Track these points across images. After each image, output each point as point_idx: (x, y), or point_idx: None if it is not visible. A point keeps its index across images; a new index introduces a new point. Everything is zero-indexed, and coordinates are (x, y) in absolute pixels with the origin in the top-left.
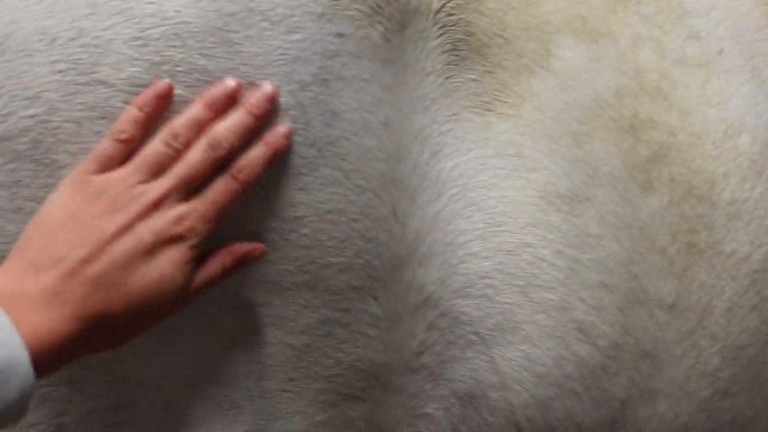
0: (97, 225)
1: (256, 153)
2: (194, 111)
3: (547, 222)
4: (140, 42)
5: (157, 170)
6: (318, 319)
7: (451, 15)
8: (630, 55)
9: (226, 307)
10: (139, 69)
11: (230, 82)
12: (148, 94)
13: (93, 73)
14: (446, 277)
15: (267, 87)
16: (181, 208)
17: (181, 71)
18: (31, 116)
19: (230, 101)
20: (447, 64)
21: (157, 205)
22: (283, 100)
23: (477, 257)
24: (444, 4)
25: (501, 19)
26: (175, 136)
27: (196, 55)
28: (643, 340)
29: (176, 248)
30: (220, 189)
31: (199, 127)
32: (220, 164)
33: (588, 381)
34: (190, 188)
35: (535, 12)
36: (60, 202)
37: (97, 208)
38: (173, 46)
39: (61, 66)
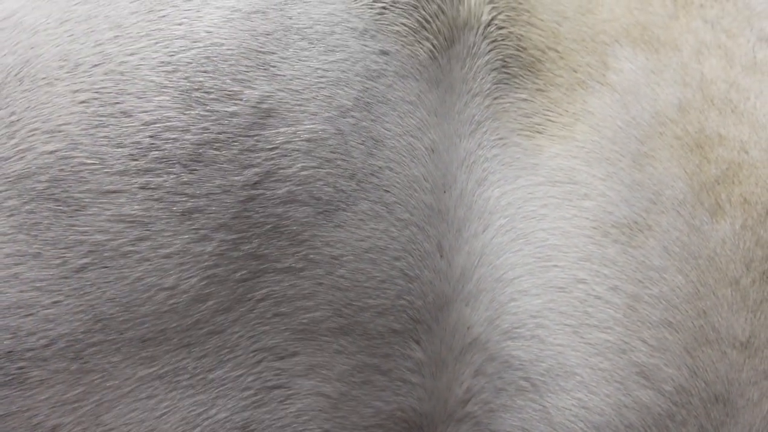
0: None
1: None
2: None
3: (602, 255)
4: (169, 68)
5: None
6: (354, 365)
7: (501, 29)
8: (694, 64)
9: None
10: (167, 98)
11: None
12: None
13: (118, 103)
14: (495, 317)
15: None
16: None
17: (213, 99)
18: (51, 152)
19: None
20: (496, 83)
21: None
22: (321, 128)
23: (527, 294)
24: (494, 17)
25: (554, 32)
26: None
27: (229, 81)
28: (715, 383)
29: None
30: None
31: None
32: None
33: (652, 431)
34: None
35: (591, 21)
36: None
37: None
38: (204, 72)
39: (84, 96)
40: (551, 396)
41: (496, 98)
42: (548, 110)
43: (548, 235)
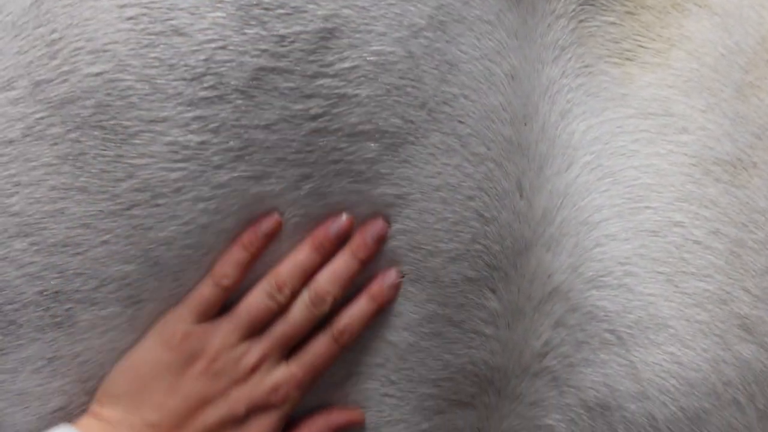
0: (193, 388)
1: (360, 310)
2: (301, 256)
3: (702, 195)
4: None
5: (259, 327)
6: (424, 315)
7: None
8: None
9: None
10: (222, 14)
11: (342, 222)
12: (254, 233)
13: (169, 20)
14: (579, 264)
15: (377, 224)
16: (278, 375)
17: (273, 17)
18: (97, 74)
19: (340, 242)
20: (581, 4)
21: (255, 369)
22: (389, 50)
23: (615, 239)
24: None
25: None
26: (280, 288)
27: None
28: None
29: (267, 417)
30: (320, 352)
31: (305, 275)
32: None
33: (753, 389)
34: (290, 347)
35: None
36: (154, 353)
37: (194, 370)
38: None
39: (132, 11)
40: (639, 350)
41: (581, 21)
42: (639, 35)
43: (640, 174)
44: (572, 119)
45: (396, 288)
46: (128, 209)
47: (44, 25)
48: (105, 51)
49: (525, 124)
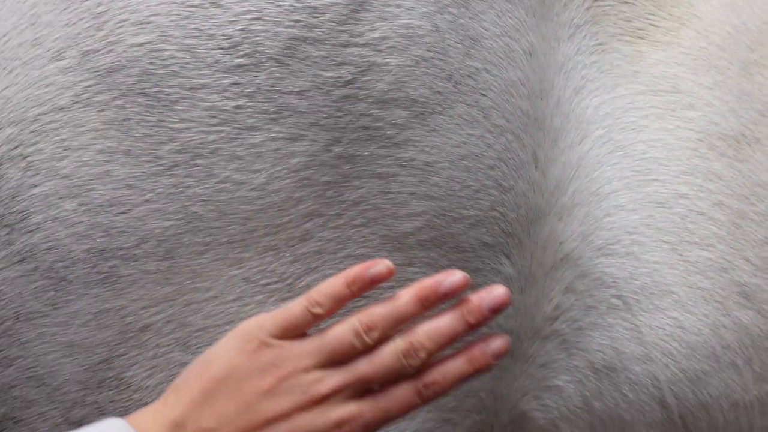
0: (256, 403)
1: (455, 369)
2: (401, 303)
3: (706, 169)
4: None
5: (338, 359)
6: None
7: None
8: None
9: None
10: None
11: (456, 280)
12: (362, 274)
13: None
14: (589, 233)
15: (497, 292)
16: (347, 409)
17: None
18: (141, 44)
19: (448, 299)
20: None
21: (324, 399)
22: (417, 24)
23: (624, 210)
24: None
25: None
26: (369, 330)
27: None
28: None
29: None
30: (398, 399)
31: (399, 323)
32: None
33: (750, 352)
34: (365, 389)
35: None
36: (228, 354)
37: (262, 383)
38: None
39: None
40: (644, 315)
41: (596, 0)
42: (651, 14)
43: (648, 148)
44: (586, 95)
45: (498, 357)
46: (169, 169)
47: None
48: (148, 22)
49: (541, 99)
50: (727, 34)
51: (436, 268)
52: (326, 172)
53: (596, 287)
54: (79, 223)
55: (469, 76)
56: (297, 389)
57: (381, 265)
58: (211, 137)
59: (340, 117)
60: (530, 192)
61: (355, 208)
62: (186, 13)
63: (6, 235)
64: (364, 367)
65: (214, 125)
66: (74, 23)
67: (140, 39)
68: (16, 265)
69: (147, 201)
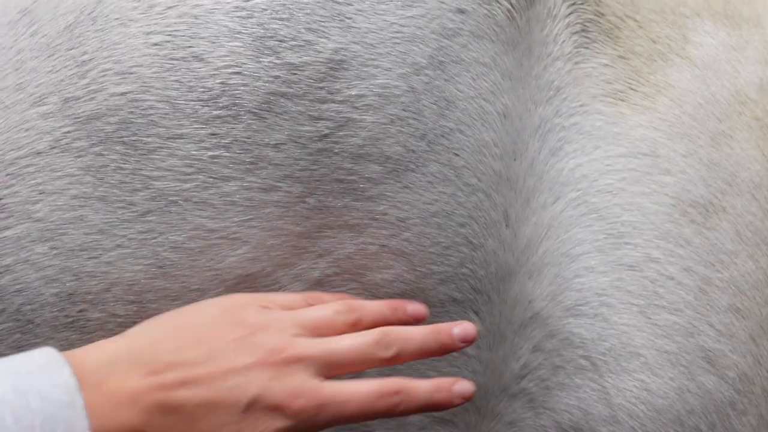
0: (219, 350)
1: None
2: (377, 303)
3: (678, 234)
4: (243, 13)
5: (314, 335)
6: None
7: None
8: None
9: None
10: (240, 44)
11: (420, 306)
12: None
13: (190, 47)
14: (558, 293)
15: (467, 324)
16: (307, 382)
17: (286, 48)
18: (122, 94)
19: (414, 319)
20: (577, 47)
21: (288, 363)
22: (394, 84)
23: (594, 271)
24: None
25: (633, 0)
26: (350, 310)
27: (303, 30)
28: None
29: (269, 420)
30: (360, 393)
31: (375, 318)
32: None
33: (713, 418)
34: (331, 370)
35: None
36: (208, 308)
37: (231, 334)
38: (279, 19)
39: (157, 38)
40: (612, 376)
41: (577, 63)
42: (630, 78)
43: (623, 211)
44: (563, 156)
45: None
46: (142, 216)
47: (76, 47)
48: (131, 73)
49: (515, 159)
50: (698, 104)
51: None
52: (299, 222)
53: (564, 347)
54: (50, 266)
55: (442, 135)
56: (263, 347)
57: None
58: (186, 185)
59: (315, 170)
60: (500, 250)
61: (327, 257)
62: (168, 66)
63: None
64: (334, 344)
65: (190, 174)
66: (58, 70)
67: (122, 88)
68: None
69: (119, 246)
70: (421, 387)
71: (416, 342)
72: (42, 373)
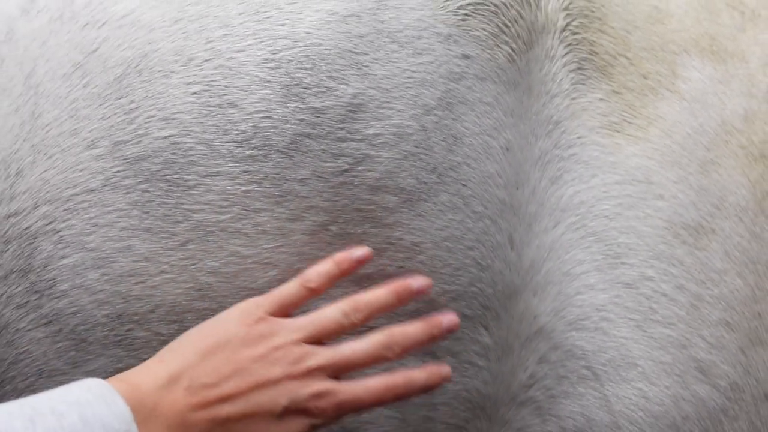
0: (249, 367)
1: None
2: (380, 293)
3: (671, 255)
4: (272, 64)
5: (326, 337)
6: (427, 346)
7: (575, 33)
8: (761, 76)
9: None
10: (269, 92)
11: (423, 280)
12: (347, 255)
13: (225, 95)
14: (561, 309)
15: (452, 320)
16: (326, 385)
17: (310, 94)
18: (165, 137)
19: (418, 296)
20: (574, 84)
21: (310, 373)
22: (407, 124)
23: (593, 289)
24: (569, 23)
25: (625, 39)
26: (355, 310)
27: (325, 78)
28: (765, 382)
29: (300, 421)
30: (371, 388)
31: (381, 311)
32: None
33: (706, 423)
34: (344, 373)
35: (660, 31)
36: (227, 324)
37: (256, 351)
38: (304, 69)
39: (196, 87)
40: (612, 385)
41: (574, 98)
42: (624, 111)
43: (620, 234)
44: (562, 184)
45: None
46: (183, 245)
47: (124, 96)
48: (173, 119)
49: (517, 188)
50: (687, 134)
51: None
52: (323, 247)
53: (568, 358)
54: (102, 291)
55: (451, 168)
56: (287, 360)
57: (362, 249)
58: (222, 217)
59: (337, 201)
60: (506, 270)
61: (348, 278)
62: (206, 112)
63: (36, 300)
64: (348, 351)
65: (225, 207)
66: (108, 117)
67: (165, 132)
68: (43, 327)
69: (162, 272)
70: (420, 375)
71: (414, 338)
72: (100, 403)
